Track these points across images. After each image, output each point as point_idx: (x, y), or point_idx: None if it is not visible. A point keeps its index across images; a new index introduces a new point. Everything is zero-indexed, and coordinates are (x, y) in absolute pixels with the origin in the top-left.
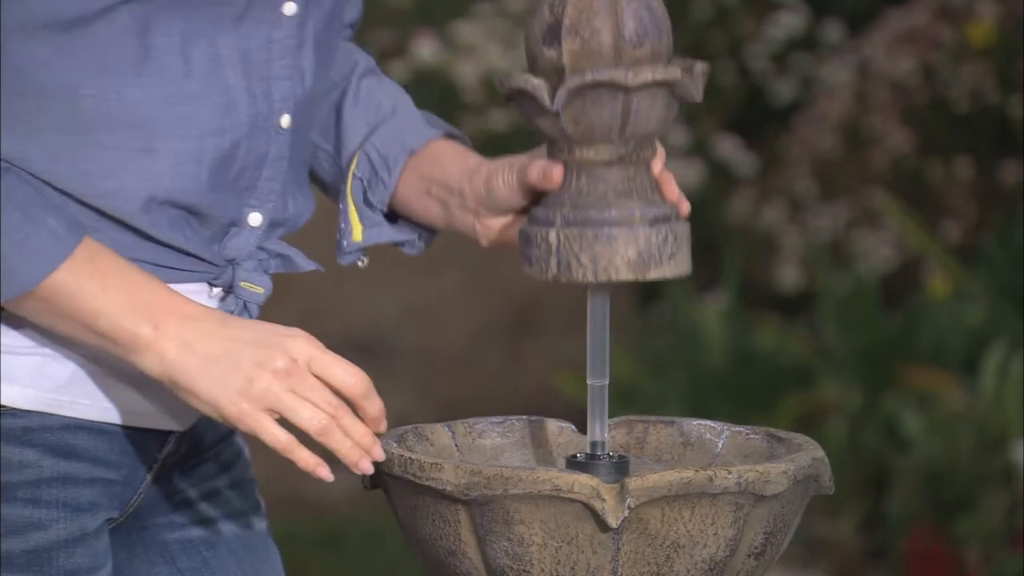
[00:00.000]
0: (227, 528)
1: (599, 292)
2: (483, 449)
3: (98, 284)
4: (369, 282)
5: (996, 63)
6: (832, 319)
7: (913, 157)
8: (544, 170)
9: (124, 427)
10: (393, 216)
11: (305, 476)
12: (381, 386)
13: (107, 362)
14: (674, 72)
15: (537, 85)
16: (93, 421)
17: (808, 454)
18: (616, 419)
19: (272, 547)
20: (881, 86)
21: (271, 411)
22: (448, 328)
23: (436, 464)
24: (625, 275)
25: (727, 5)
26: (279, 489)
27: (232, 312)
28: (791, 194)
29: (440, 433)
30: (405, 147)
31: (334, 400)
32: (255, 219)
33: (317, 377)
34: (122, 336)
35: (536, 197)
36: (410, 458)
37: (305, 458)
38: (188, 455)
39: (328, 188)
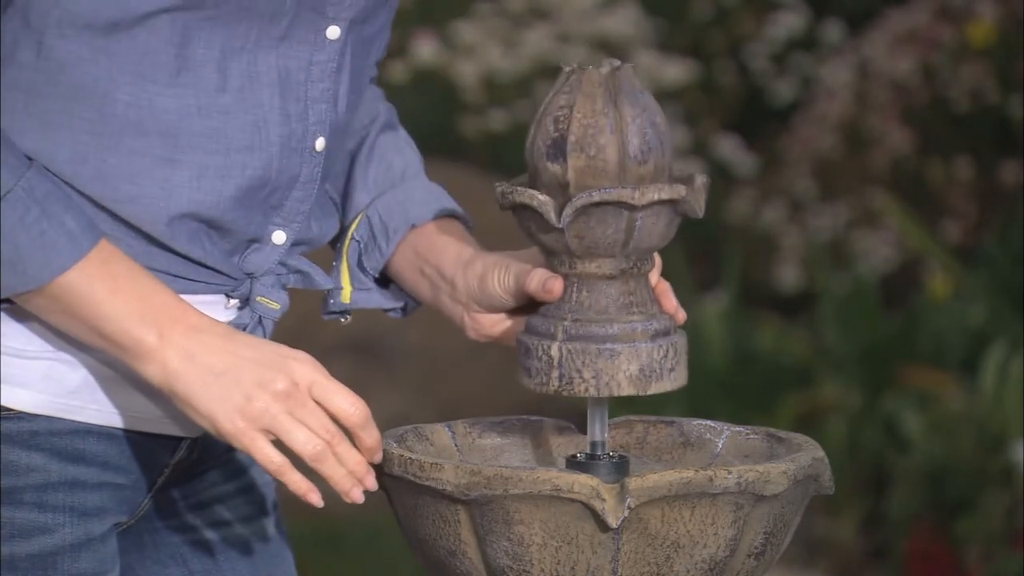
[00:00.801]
0: (240, 531)
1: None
2: (483, 449)
3: (108, 288)
4: None
5: (996, 63)
6: (832, 319)
7: (913, 157)
8: (544, 283)
9: (134, 432)
10: (384, 280)
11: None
12: (381, 386)
13: (117, 367)
14: (679, 190)
15: (543, 202)
16: (103, 426)
17: (808, 454)
18: (616, 419)
19: (287, 550)
20: (881, 86)
21: (267, 432)
22: (448, 328)
23: (436, 464)
24: (627, 390)
25: (727, 5)
26: (278, 489)
27: (247, 325)
28: (791, 194)
29: (440, 433)
30: (407, 219)
31: (331, 427)
32: (279, 237)
33: (317, 403)
34: (127, 342)
35: (529, 300)
36: (410, 458)
37: (297, 482)
38: (200, 460)
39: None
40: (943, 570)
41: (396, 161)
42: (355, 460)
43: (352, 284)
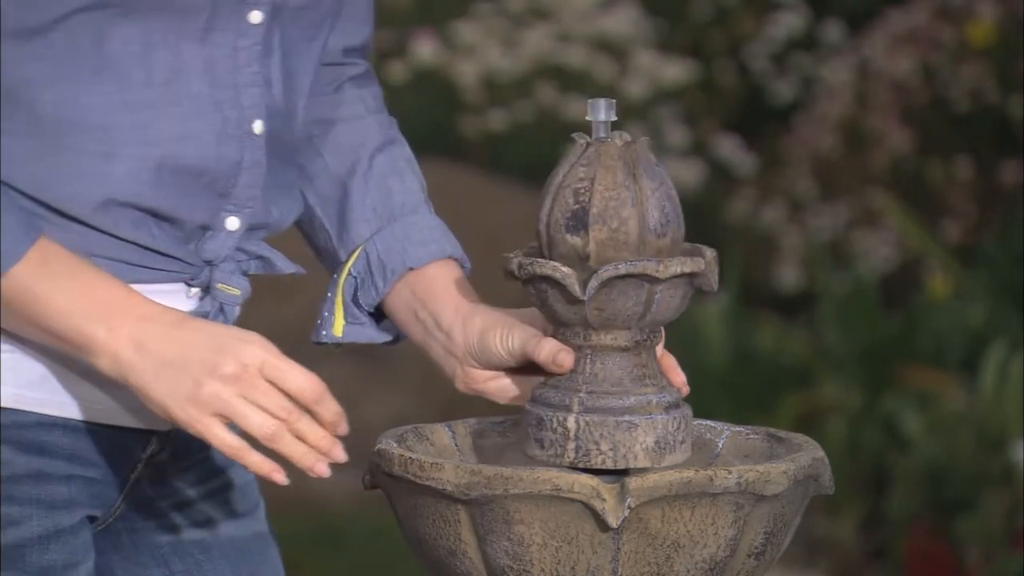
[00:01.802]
0: (221, 531)
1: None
2: (483, 449)
3: (50, 286)
4: None
5: (996, 63)
6: (832, 319)
7: (913, 157)
8: (555, 356)
9: (102, 426)
10: (378, 314)
11: (305, 475)
12: (381, 386)
13: (76, 361)
14: (699, 264)
15: (567, 274)
16: (67, 419)
17: (808, 454)
18: None
19: (272, 549)
20: (881, 86)
21: (221, 416)
22: None
23: (436, 464)
24: (643, 462)
25: (727, 5)
26: (278, 488)
27: (208, 313)
28: (791, 194)
29: (440, 433)
30: (405, 261)
31: (287, 405)
32: (233, 223)
33: (271, 382)
34: (76, 338)
35: (528, 363)
36: (410, 458)
37: (257, 463)
38: (178, 456)
39: (320, 257)
40: (943, 570)
41: (396, 187)
42: (317, 435)
43: (345, 318)
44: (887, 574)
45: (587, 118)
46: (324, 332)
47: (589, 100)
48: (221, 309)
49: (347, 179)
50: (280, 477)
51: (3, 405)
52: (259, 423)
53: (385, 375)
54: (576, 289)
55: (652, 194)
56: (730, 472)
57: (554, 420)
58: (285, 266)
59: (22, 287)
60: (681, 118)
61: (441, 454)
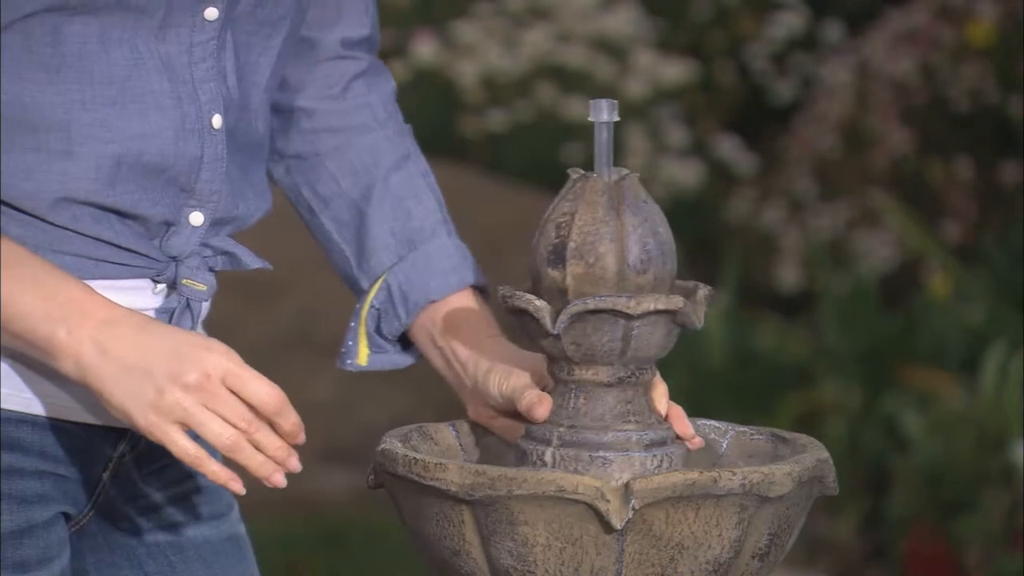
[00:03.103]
0: (195, 532)
1: None
2: (488, 448)
3: (13, 288)
4: None
5: (996, 63)
6: (832, 319)
7: (913, 157)
8: (530, 406)
9: (70, 423)
10: (402, 339)
11: (304, 475)
12: (381, 386)
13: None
14: (676, 301)
15: (539, 307)
16: (34, 415)
17: (813, 455)
18: None
19: (246, 551)
20: (881, 86)
21: (182, 424)
22: None
23: (440, 464)
24: None
25: (727, 5)
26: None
27: (174, 309)
28: (791, 194)
29: (445, 433)
30: (427, 293)
31: (247, 415)
32: (196, 219)
33: (233, 392)
34: (37, 340)
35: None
36: (414, 458)
37: (216, 472)
38: (150, 456)
39: (343, 278)
40: (943, 570)
41: (414, 210)
42: (274, 446)
43: (369, 347)
44: (887, 574)
45: (589, 119)
46: (349, 361)
47: (591, 101)
48: (188, 305)
49: (363, 204)
50: (237, 486)
51: None
52: (219, 432)
53: (385, 375)
54: (547, 323)
55: (634, 230)
56: (734, 474)
57: (534, 453)
58: (251, 261)
59: None
60: (681, 118)
61: (445, 454)
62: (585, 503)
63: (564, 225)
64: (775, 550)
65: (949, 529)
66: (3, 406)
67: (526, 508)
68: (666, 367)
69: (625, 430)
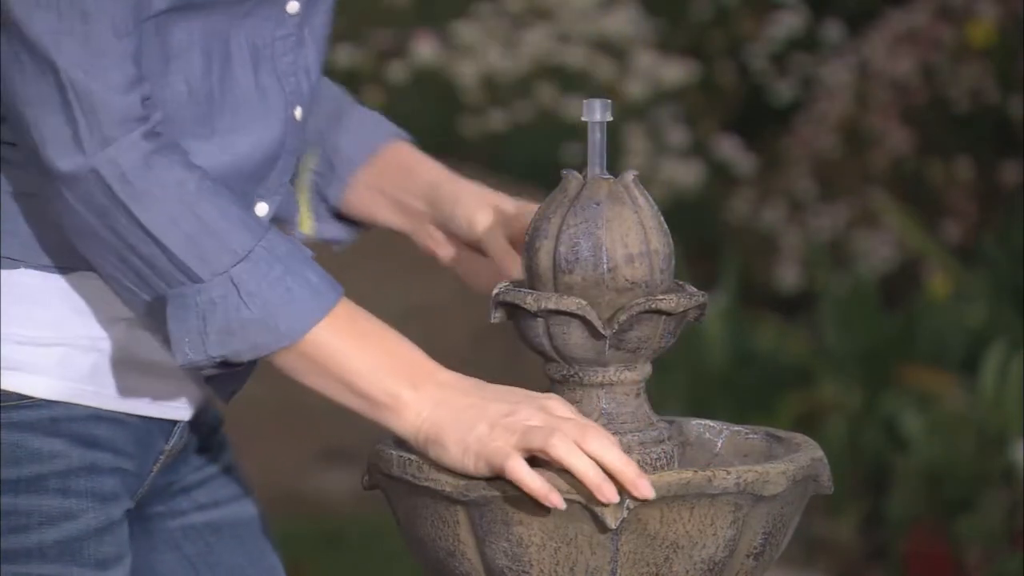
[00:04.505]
0: (227, 513)
1: None
2: None
3: (358, 343)
4: (369, 282)
5: (996, 63)
6: (832, 319)
7: (913, 157)
8: (503, 261)
9: (135, 417)
10: (340, 216)
11: (304, 475)
12: None
13: (127, 350)
14: (571, 303)
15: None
16: (115, 411)
17: (807, 454)
18: None
19: (268, 527)
20: (881, 86)
21: (525, 449)
22: (448, 328)
23: (435, 465)
24: None
25: (727, 5)
26: (279, 489)
27: None
28: (791, 194)
29: None
30: (364, 148)
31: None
32: (262, 209)
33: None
34: (380, 395)
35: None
36: (409, 459)
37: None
38: (185, 446)
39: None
40: (943, 570)
41: (338, 92)
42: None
43: (313, 218)
44: (887, 574)
45: (583, 118)
46: (294, 231)
47: (584, 101)
48: None
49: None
50: (557, 499)
51: (56, 399)
52: (572, 452)
53: None
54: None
55: (566, 230)
56: (729, 473)
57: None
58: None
59: (331, 341)
60: (681, 118)
61: None
62: (580, 503)
63: (532, 221)
64: (770, 549)
65: (949, 529)
66: (78, 402)
67: (521, 508)
68: (666, 367)
69: (619, 431)
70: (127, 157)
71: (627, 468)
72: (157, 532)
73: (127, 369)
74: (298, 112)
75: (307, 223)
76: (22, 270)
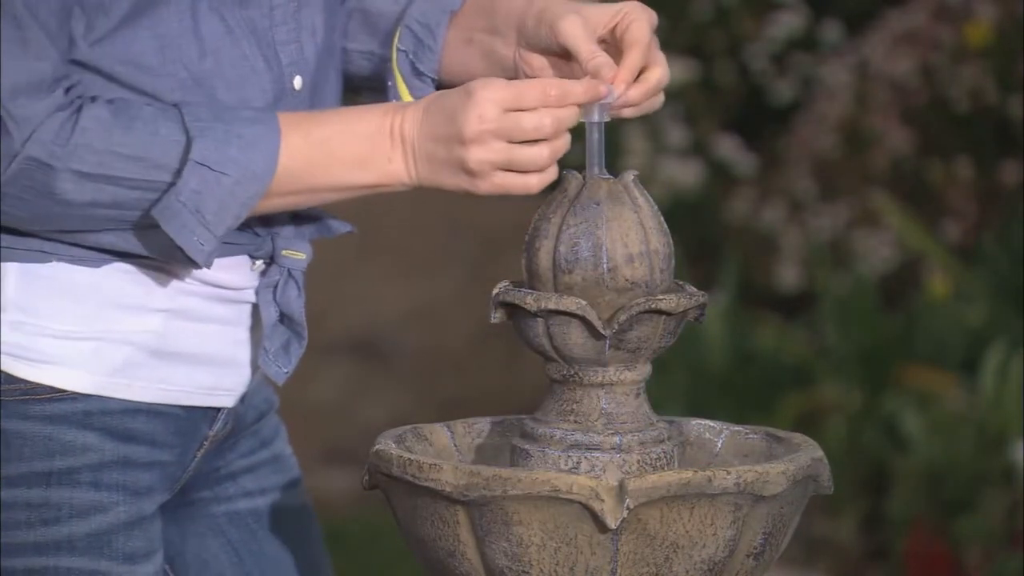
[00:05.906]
0: (271, 500)
1: None
2: (482, 449)
3: (323, 148)
4: (369, 282)
5: (996, 63)
6: (832, 319)
7: (913, 157)
8: (597, 67)
9: (178, 407)
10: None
11: (304, 475)
12: (381, 386)
13: (162, 342)
14: (570, 303)
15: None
16: (150, 403)
17: (807, 454)
18: None
19: (314, 518)
20: (881, 86)
21: (501, 168)
22: (448, 328)
23: (435, 465)
24: None
25: (727, 5)
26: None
27: (278, 282)
28: (791, 194)
29: (439, 433)
30: (444, 9)
31: (541, 125)
32: None
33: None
34: (372, 180)
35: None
36: (409, 459)
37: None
38: (231, 431)
39: (365, 84)
40: (943, 570)
41: None
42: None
43: (412, 94)
44: (887, 574)
45: (580, 119)
46: (395, 99)
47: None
48: (290, 275)
49: (356, 4)
50: (604, 88)
51: (90, 392)
52: (534, 154)
53: (385, 375)
54: (494, 305)
55: (567, 230)
56: (728, 473)
57: (529, 453)
58: (339, 226)
59: (298, 151)
60: (681, 118)
61: (440, 454)
62: (580, 503)
63: (532, 221)
64: (770, 549)
65: (949, 529)
66: (111, 395)
67: (521, 508)
68: (666, 367)
69: (619, 431)
70: (48, 130)
71: (578, 86)
72: (202, 517)
73: (163, 360)
74: (296, 82)
75: (405, 95)
76: (54, 263)
